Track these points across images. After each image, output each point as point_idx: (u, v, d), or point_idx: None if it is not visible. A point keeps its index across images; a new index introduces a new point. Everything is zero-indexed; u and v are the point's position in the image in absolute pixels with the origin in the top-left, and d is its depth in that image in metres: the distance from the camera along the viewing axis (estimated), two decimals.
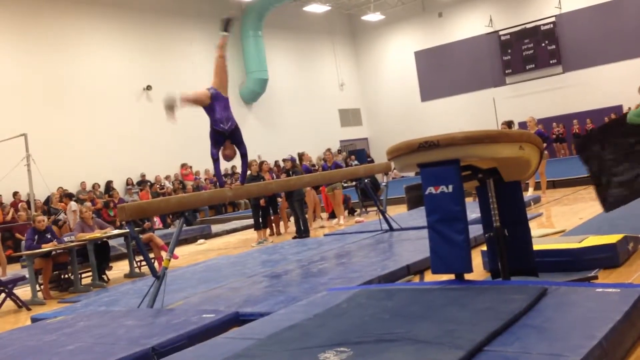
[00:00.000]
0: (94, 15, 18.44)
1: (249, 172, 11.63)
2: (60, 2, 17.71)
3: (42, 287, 8.06)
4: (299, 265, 7.16)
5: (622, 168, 5.70)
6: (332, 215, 12.84)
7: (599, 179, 5.66)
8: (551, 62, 24.08)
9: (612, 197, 5.62)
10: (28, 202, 13.88)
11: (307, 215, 11.37)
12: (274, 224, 12.03)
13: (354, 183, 13.13)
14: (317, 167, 16.35)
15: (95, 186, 17.31)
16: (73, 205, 13.54)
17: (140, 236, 8.44)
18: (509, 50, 24.95)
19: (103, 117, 18.02)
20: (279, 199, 12.14)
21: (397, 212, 11.66)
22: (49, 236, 8.27)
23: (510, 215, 4.47)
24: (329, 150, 15.41)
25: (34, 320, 6.23)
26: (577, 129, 22.47)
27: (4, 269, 9.92)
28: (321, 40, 26.96)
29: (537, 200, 10.67)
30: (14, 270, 10.80)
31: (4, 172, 12.92)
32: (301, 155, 13.38)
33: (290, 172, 11.45)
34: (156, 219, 15.68)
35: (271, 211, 11.53)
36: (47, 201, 14.99)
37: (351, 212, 13.93)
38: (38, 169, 12.36)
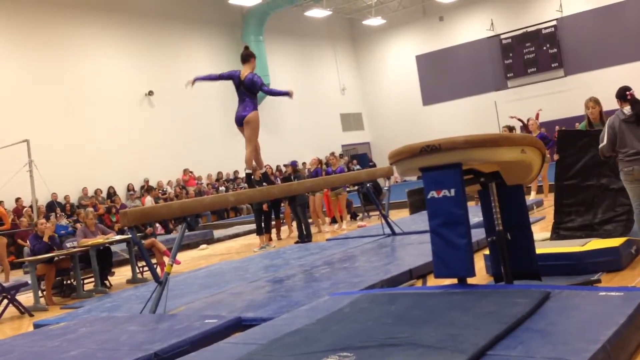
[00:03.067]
0: (96, 22, 18.48)
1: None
2: (63, 9, 17.76)
3: (44, 293, 8.06)
4: (301, 270, 7.15)
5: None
6: (334, 220, 12.82)
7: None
8: (553, 65, 24.06)
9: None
10: (31, 207, 13.89)
11: (309, 220, 11.37)
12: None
13: (356, 187, 13.13)
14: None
15: (97, 192, 17.33)
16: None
17: (143, 242, 8.44)
18: (511, 54, 24.94)
19: (105, 122, 18.03)
20: (282, 204, 12.13)
21: (400, 216, 11.65)
22: (50, 242, 8.27)
23: (513, 219, 4.45)
24: (332, 154, 15.34)
25: (37, 326, 6.23)
26: None
27: (7, 275, 9.92)
28: (322, 44, 26.97)
29: (539, 204, 10.66)
30: (17, 276, 10.79)
31: (6, 178, 12.94)
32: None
33: (292, 177, 11.44)
34: (158, 225, 15.69)
35: (273, 215, 11.51)
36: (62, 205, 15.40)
37: (353, 216, 13.91)
38: (40, 175, 12.36)
